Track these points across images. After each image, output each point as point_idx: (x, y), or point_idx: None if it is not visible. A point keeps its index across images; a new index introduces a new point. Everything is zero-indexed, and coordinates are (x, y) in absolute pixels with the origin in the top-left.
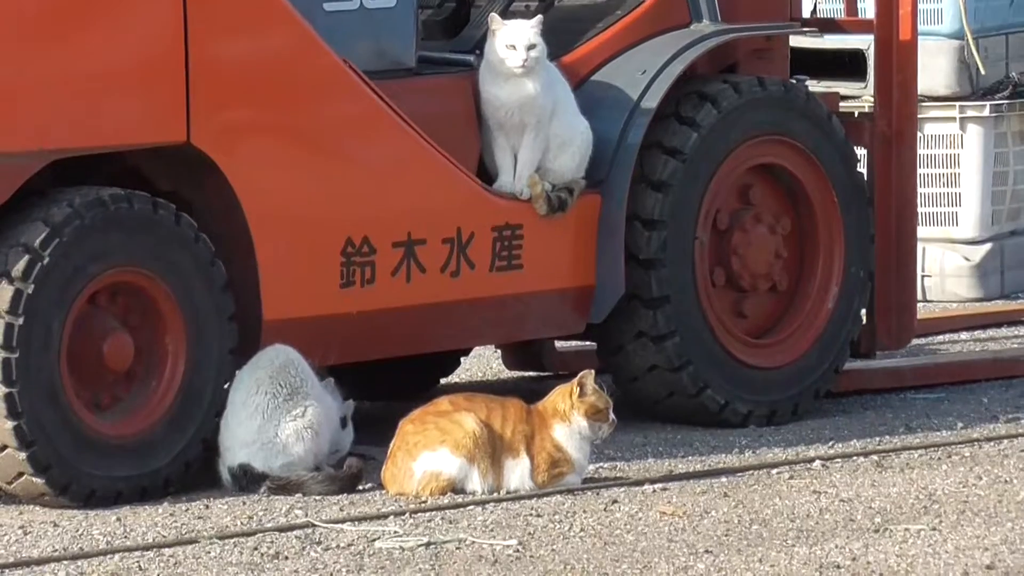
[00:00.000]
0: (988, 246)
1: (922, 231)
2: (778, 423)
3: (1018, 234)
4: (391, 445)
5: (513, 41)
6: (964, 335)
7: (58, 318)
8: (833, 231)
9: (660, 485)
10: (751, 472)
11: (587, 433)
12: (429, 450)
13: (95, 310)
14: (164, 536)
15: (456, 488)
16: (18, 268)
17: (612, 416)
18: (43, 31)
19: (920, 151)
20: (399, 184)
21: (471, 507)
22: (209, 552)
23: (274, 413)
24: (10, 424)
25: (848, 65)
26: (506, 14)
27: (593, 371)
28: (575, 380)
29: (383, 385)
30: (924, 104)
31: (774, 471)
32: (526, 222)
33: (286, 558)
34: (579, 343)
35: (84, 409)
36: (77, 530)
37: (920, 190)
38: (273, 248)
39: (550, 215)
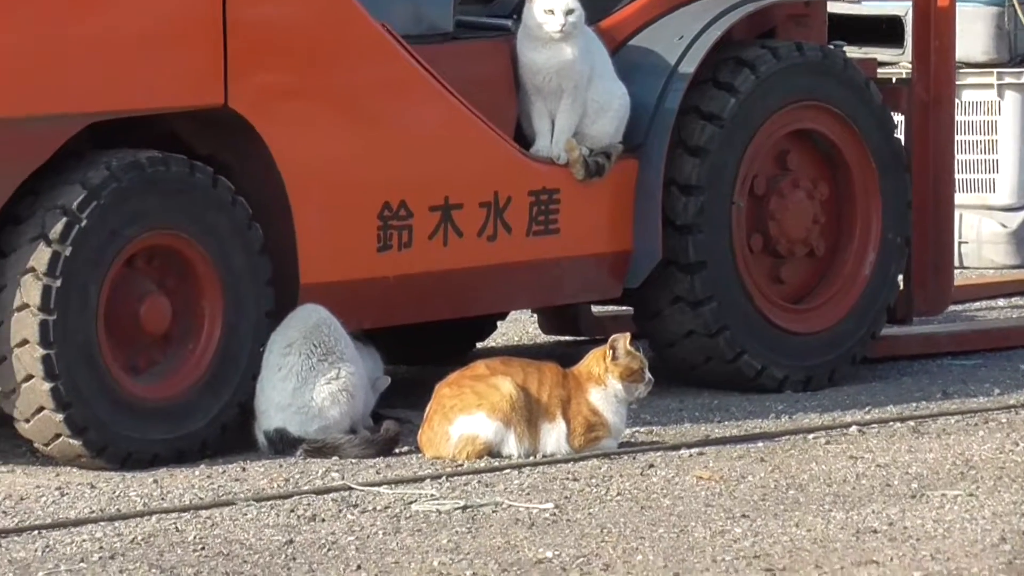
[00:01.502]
0: None
1: (959, 198)
2: (814, 388)
3: None
4: (427, 409)
5: (551, 5)
6: (1001, 301)
7: (95, 280)
8: (870, 197)
9: (697, 450)
10: (787, 437)
11: (623, 396)
12: (465, 414)
13: (132, 273)
14: (201, 498)
15: (492, 452)
16: (55, 230)
17: (648, 375)
18: None
19: (957, 118)
20: (436, 148)
21: (507, 471)
22: (246, 514)
23: (308, 375)
24: (47, 386)
25: (886, 31)
26: None
27: (628, 334)
28: (608, 343)
29: (420, 349)
30: (962, 71)
31: (810, 436)
32: (563, 186)
33: (322, 520)
34: (615, 307)
35: (121, 372)
36: (114, 492)
37: (957, 157)
38: (310, 211)
39: (587, 180)
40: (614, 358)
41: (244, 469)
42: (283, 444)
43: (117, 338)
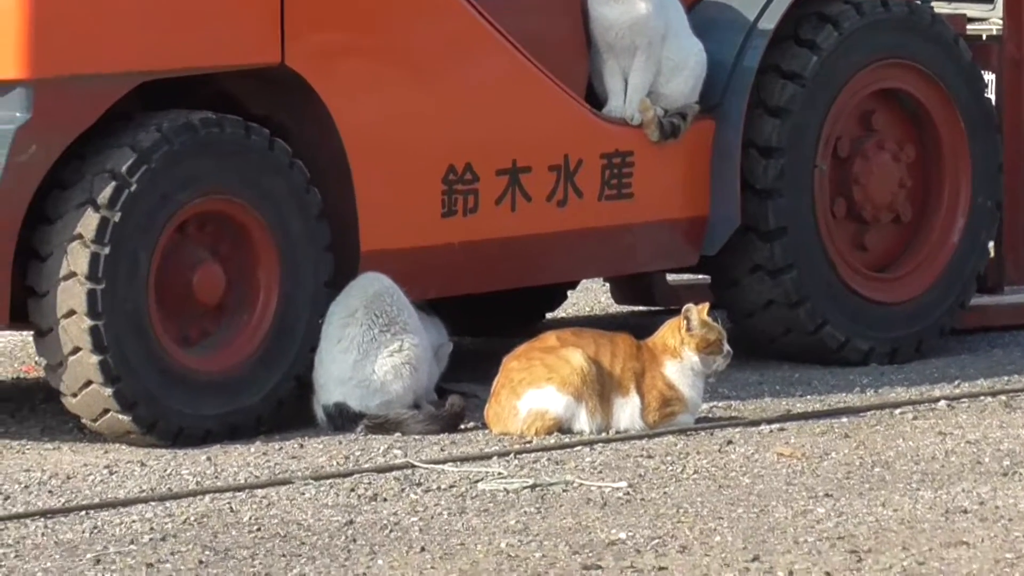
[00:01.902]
0: None
1: None
2: (901, 361)
3: None
4: (494, 383)
5: None
6: None
7: (145, 248)
8: (959, 159)
9: (777, 425)
10: (873, 412)
11: (700, 368)
12: (535, 388)
13: (184, 240)
14: (256, 476)
15: (563, 428)
16: (104, 195)
17: (727, 347)
18: None
19: None
20: (504, 108)
21: (579, 448)
22: (304, 493)
23: (370, 347)
24: (95, 358)
25: None
26: None
27: (705, 304)
28: (681, 314)
29: (486, 320)
30: None
31: (897, 411)
32: (637, 149)
33: (384, 500)
34: (692, 276)
35: (172, 343)
36: (165, 470)
37: None
38: (371, 175)
39: (662, 141)
40: (688, 329)
41: (302, 446)
42: (343, 420)
43: (168, 308)
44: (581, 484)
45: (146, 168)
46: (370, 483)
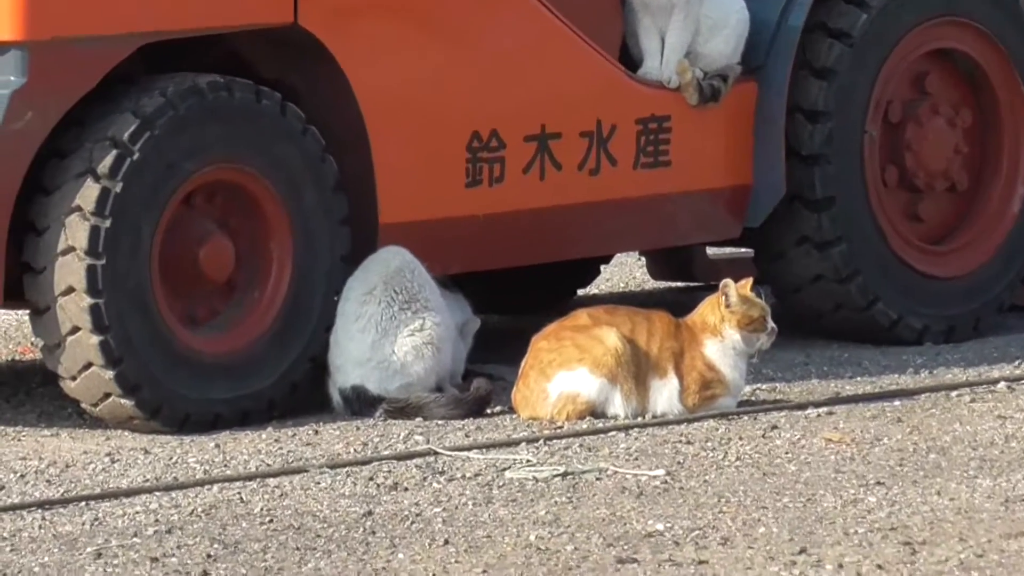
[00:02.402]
0: None
1: None
2: (957, 340)
3: None
4: (523, 364)
5: None
6: None
7: (149, 221)
8: (1019, 124)
9: (825, 409)
10: (927, 395)
11: (742, 348)
12: (566, 369)
13: (191, 212)
14: (268, 465)
15: (596, 412)
16: (105, 164)
17: (771, 324)
18: None
19: None
20: (532, 71)
21: (613, 433)
22: (319, 483)
23: (389, 326)
24: (96, 339)
25: None
26: None
27: (748, 279)
28: (720, 290)
29: (513, 297)
30: None
31: (953, 394)
32: (674, 113)
33: (405, 489)
34: (734, 249)
35: (178, 323)
36: (170, 458)
37: None
38: (390, 142)
39: (701, 105)
40: (728, 305)
41: (317, 432)
42: (360, 404)
43: (174, 285)
44: (615, 472)
45: (150, 135)
46: (390, 471)
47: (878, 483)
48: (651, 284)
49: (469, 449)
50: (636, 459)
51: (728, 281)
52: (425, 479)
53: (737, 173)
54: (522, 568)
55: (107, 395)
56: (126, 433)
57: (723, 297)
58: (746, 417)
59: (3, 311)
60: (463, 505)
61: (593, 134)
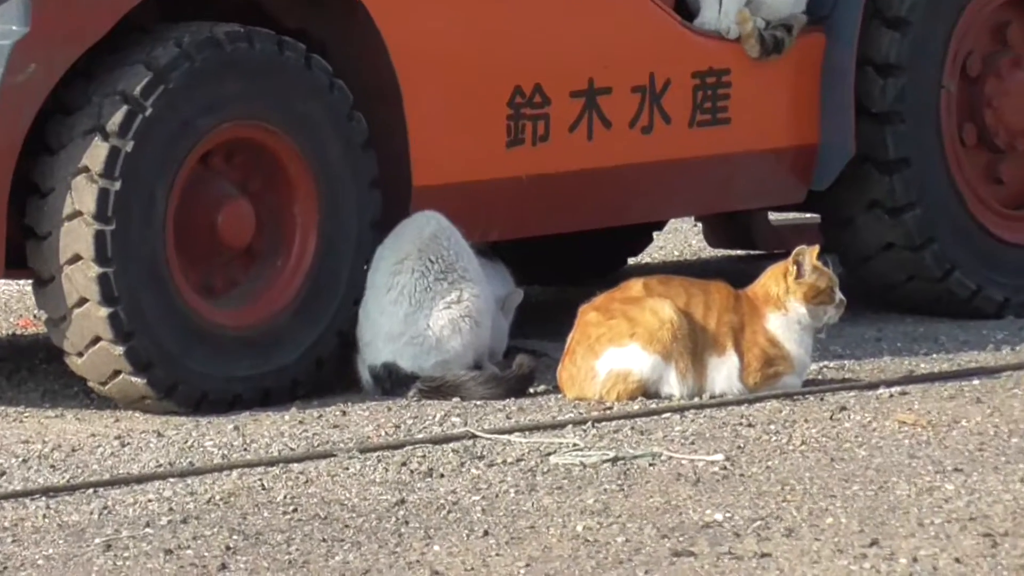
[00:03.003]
0: None
1: None
2: None
3: None
4: (569, 339)
5: None
6: None
7: (163, 183)
8: None
9: (898, 388)
10: (1009, 373)
11: (808, 322)
12: (616, 345)
13: (208, 173)
14: (292, 449)
15: (649, 391)
16: (114, 121)
17: (839, 295)
18: None
19: None
20: (579, 19)
21: (667, 415)
22: (348, 468)
23: (424, 298)
24: (104, 311)
25: None
26: None
27: (815, 247)
28: (790, 258)
29: (559, 267)
30: None
31: None
32: (734, 67)
33: (441, 476)
34: (798, 215)
35: (194, 294)
36: (186, 441)
37: None
38: (425, 97)
39: (763, 58)
40: (798, 276)
41: (345, 413)
42: (392, 382)
43: (190, 253)
44: (670, 457)
45: (163, 89)
46: (424, 456)
47: (956, 469)
48: (708, 252)
49: (510, 432)
50: (692, 443)
51: (803, 248)
52: (463, 464)
53: (802, 132)
54: (568, 561)
55: (117, 373)
56: (137, 414)
57: (795, 266)
58: (812, 397)
59: (4, 281)
60: (504, 493)
61: (646, 89)
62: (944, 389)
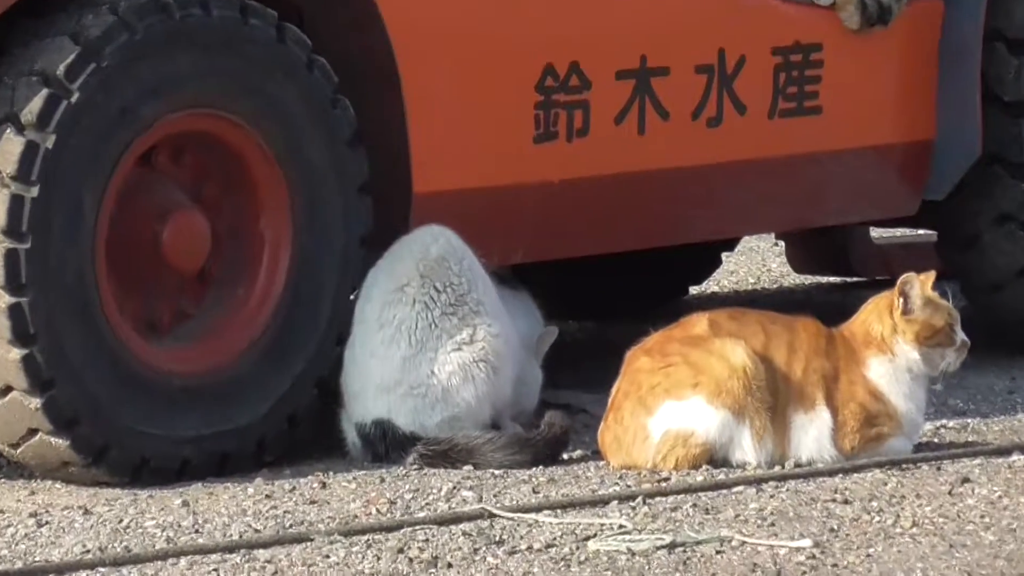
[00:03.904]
0: None
1: None
2: None
3: None
4: (614, 391)
5: None
6: None
7: (93, 188)
8: None
9: None
10: None
11: (920, 369)
12: (674, 398)
13: (151, 176)
14: (257, 531)
15: (716, 458)
16: (31, 110)
17: (960, 335)
18: None
19: None
20: None
21: (739, 488)
22: (328, 556)
23: (427, 336)
24: (17, 353)
25: None
26: None
27: (931, 273)
28: (896, 287)
29: (601, 299)
30: None
31: None
32: (827, 41)
33: (449, 566)
34: (908, 232)
35: (132, 331)
36: (120, 520)
37: None
38: (429, 81)
39: (865, 30)
40: (906, 311)
41: (325, 485)
42: (386, 445)
43: (127, 279)
44: (743, 543)
45: (95, 68)
46: (427, 541)
47: None
48: (793, 279)
49: (538, 510)
50: (772, 525)
51: (911, 276)
52: (477, 551)
53: (913, 125)
54: None
55: (33, 431)
56: (58, 485)
57: (901, 299)
58: (926, 466)
59: None
60: None
61: (713, 69)
62: None
